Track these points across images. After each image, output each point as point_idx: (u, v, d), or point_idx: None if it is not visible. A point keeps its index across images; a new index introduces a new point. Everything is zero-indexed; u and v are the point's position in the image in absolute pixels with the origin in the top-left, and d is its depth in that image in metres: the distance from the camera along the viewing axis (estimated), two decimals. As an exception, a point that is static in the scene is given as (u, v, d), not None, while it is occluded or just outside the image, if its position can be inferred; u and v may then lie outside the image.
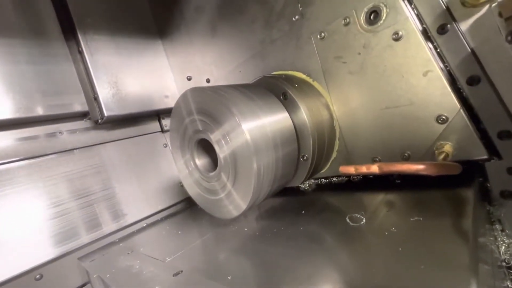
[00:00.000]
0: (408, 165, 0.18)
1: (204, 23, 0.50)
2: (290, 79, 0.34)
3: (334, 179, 0.40)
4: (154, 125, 0.60)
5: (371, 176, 0.33)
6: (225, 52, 0.47)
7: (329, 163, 0.36)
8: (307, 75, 0.36)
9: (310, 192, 0.40)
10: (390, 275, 0.16)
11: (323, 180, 0.41)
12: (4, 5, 0.44)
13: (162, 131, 0.61)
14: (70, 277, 0.41)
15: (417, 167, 0.18)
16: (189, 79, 0.57)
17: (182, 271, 0.24)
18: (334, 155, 0.36)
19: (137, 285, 0.23)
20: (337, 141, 0.35)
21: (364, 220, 0.23)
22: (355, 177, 0.36)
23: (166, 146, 0.61)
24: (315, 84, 0.35)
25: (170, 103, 0.59)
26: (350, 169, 0.22)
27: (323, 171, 0.37)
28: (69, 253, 0.43)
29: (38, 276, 0.40)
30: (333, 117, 0.34)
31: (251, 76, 0.43)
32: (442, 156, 0.23)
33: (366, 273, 0.17)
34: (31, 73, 0.44)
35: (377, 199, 0.27)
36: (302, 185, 0.42)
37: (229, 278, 0.21)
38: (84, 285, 0.40)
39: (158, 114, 0.61)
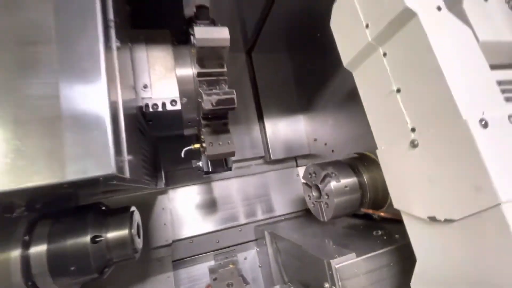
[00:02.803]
0: (377, 212, 0.48)
1: (327, 111, 0.89)
2: (363, 159, 0.67)
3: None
4: (293, 163, 1.05)
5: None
6: (337, 131, 0.84)
7: (386, 206, 0.65)
8: (376, 157, 0.67)
9: (378, 219, 0.69)
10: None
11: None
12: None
13: (296, 166, 1.05)
14: (252, 233, 0.91)
15: (381, 214, 0.48)
16: (315, 140, 0.97)
17: (300, 233, 0.63)
18: (388, 201, 0.64)
19: (289, 235, 0.64)
20: (390, 196, 0.64)
21: (380, 233, 0.54)
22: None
23: (298, 176, 1.04)
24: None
25: (302, 151, 1.02)
26: (364, 210, 0.54)
27: (383, 209, 0.66)
28: (251, 223, 0.93)
29: (240, 229, 0.92)
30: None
31: (349, 148, 0.77)
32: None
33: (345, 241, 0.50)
34: (249, 138, 0.98)
35: (393, 228, 0.56)
36: (374, 215, 0.71)
37: (318, 239, 0.58)
38: (258, 239, 0.89)
39: (295, 157, 1.05)
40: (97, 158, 0.25)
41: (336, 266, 0.42)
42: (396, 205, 0.40)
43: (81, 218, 0.48)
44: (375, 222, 0.68)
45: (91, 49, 0.26)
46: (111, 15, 0.31)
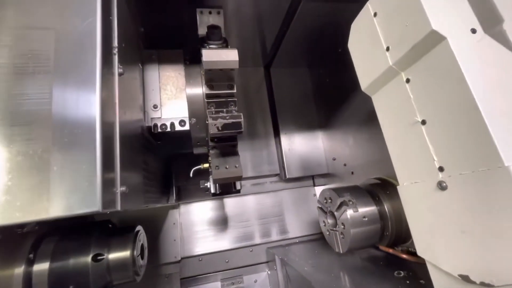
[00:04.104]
0: (399, 253, 0.42)
1: (347, 130, 0.83)
2: (385, 185, 0.61)
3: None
4: (310, 182, 1.00)
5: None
6: (357, 151, 0.78)
7: (411, 241, 0.58)
8: (399, 184, 0.61)
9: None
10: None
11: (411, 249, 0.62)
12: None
13: (314, 185, 1.00)
14: (263, 255, 0.87)
15: (403, 256, 0.42)
16: (334, 159, 0.92)
17: (312, 264, 0.58)
18: (413, 236, 0.57)
19: (300, 265, 0.60)
20: (415, 228, 0.57)
21: (402, 274, 0.48)
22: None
23: (314, 196, 0.98)
24: (403, 190, 0.59)
25: (321, 170, 0.96)
26: (383, 248, 0.48)
27: (407, 244, 0.59)
28: (263, 244, 0.89)
29: (251, 250, 0.88)
30: (412, 213, 0.57)
31: (370, 171, 0.71)
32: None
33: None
34: (266, 154, 0.95)
35: (419, 269, 0.49)
36: (396, 248, 0.64)
37: (332, 275, 0.53)
38: (270, 261, 0.84)
39: (312, 176, 1.00)
40: (82, 194, 0.23)
41: (347, 316, 0.37)
42: (421, 253, 0.34)
43: (85, 236, 0.48)
44: (398, 257, 0.61)
45: (87, 79, 0.26)
46: (115, 42, 0.31)
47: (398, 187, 0.37)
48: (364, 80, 0.40)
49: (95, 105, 0.25)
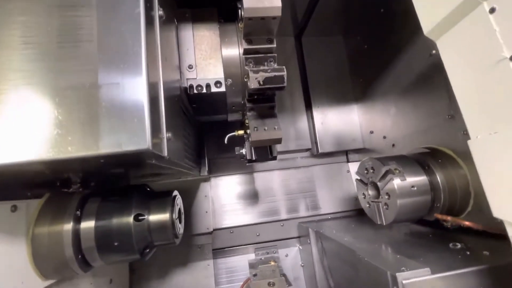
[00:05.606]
0: (461, 220, 0.38)
1: (388, 99, 0.77)
2: (436, 154, 0.55)
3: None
4: (343, 158, 0.95)
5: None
6: (400, 121, 0.72)
7: (465, 214, 0.53)
8: (453, 152, 0.54)
9: (451, 229, 0.57)
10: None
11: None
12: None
13: (347, 161, 0.95)
14: (294, 230, 0.85)
15: (466, 223, 0.37)
16: (371, 132, 0.86)
17: (353, 236, 0.55)
18: (469, 209, 0.52)
19: (338, 237, 0.57)
20: (471, 201, 0.51)
21: (459, 246, 0.43)
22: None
23: (348, 172, 0.94)
24: (459, 160, 0.53)
25: (355, 145, 0.91)
26: (439, 216, 0.43)
27: (460, 217, 0.54)
28: (294, 218, 0.87)
29: (281, 224, 0.87)
30: (469, 184, 0.51)
31: (414, 142, 0.65)
32: None
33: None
34: (294, 129, 0.92)
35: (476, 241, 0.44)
36: (445, 224, 0.59)
37: (376, 245, 0.50)
38: (301, 236, 0.83)
39: (346, 151, 0.95)
40: (132, 132, 0.22)
41: (404, 282, 0.34)
42: (497, 213, 0.30)
43: (127, 197, 0.49)
44: (448, 231, 0.56)
45: (131, 14, 0.24)
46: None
47: (469, 141, 0.32)
48: (430, 21, 0.35)
49: (141, 44, 0.23)
